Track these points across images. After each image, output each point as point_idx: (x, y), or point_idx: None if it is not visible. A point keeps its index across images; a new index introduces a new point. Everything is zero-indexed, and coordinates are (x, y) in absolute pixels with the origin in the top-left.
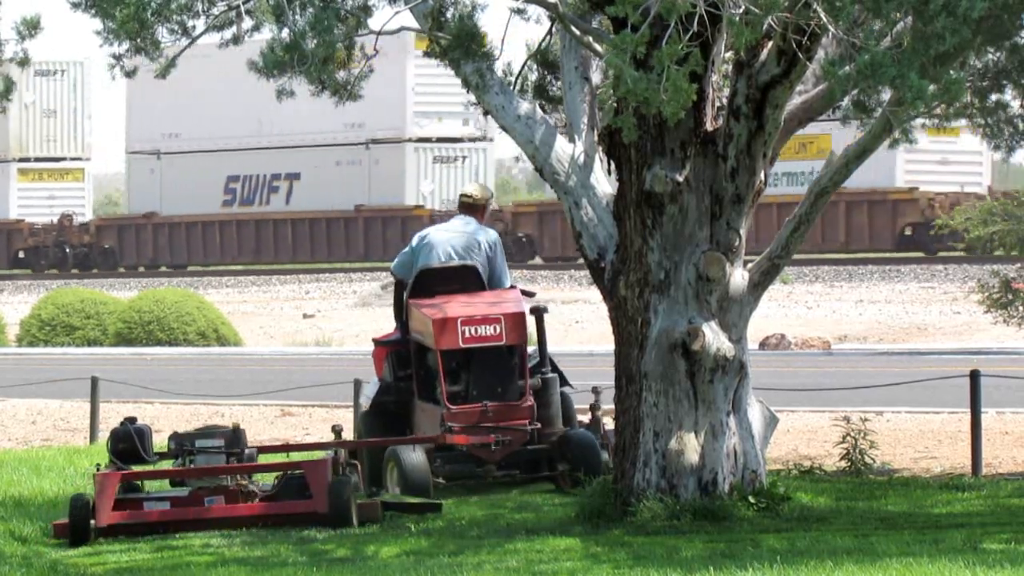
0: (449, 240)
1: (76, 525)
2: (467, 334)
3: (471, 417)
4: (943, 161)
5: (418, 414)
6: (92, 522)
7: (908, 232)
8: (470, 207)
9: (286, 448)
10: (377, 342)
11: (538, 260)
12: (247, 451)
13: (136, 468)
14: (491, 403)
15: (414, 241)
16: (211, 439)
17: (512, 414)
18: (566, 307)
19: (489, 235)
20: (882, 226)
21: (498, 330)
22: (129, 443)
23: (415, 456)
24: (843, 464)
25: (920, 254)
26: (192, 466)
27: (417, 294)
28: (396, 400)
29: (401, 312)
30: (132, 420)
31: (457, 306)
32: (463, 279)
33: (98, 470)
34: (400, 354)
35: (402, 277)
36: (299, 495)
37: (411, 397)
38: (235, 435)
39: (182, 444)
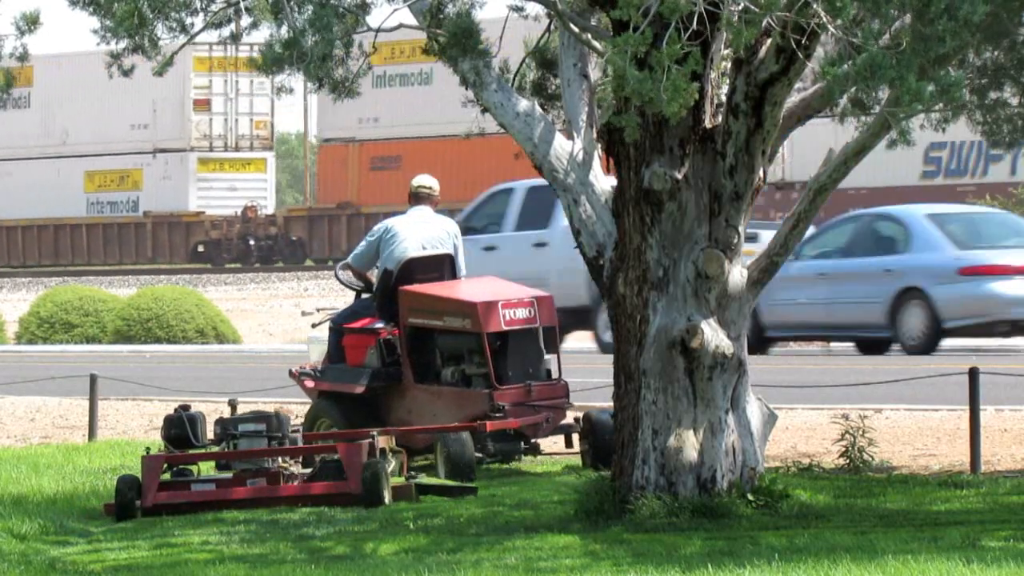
0: (419, 230)
1: (122, 504)
2: (507, 317)
3: (517, 397)
4: None
5: (418, 396)
6: (138, 502)
7: None
8: (426, 198)
9: (331, 435)
10: (348, 330)
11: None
12: (290, 435)
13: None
14: (534, 383)
15: (375, 233)
16: (254, 423)
17: (551, 393)
18: None
19: (452, 225)
20: None
21: (532, 312)
22: (181, 429)
23: (461, 439)
24: (842, 461)
25: None
26: (235, 449)
27: (402, 283)
28: (386, 386)
29: (386, 300)
30: (186, 407)
31: (489, 291)
32: (441, 268)
33: (147, 453)
34: (388, 341)
35: (360, 268)
36: (336, 477)
37: (397, 383)
38: (277, 420)
39: (226, 428)
